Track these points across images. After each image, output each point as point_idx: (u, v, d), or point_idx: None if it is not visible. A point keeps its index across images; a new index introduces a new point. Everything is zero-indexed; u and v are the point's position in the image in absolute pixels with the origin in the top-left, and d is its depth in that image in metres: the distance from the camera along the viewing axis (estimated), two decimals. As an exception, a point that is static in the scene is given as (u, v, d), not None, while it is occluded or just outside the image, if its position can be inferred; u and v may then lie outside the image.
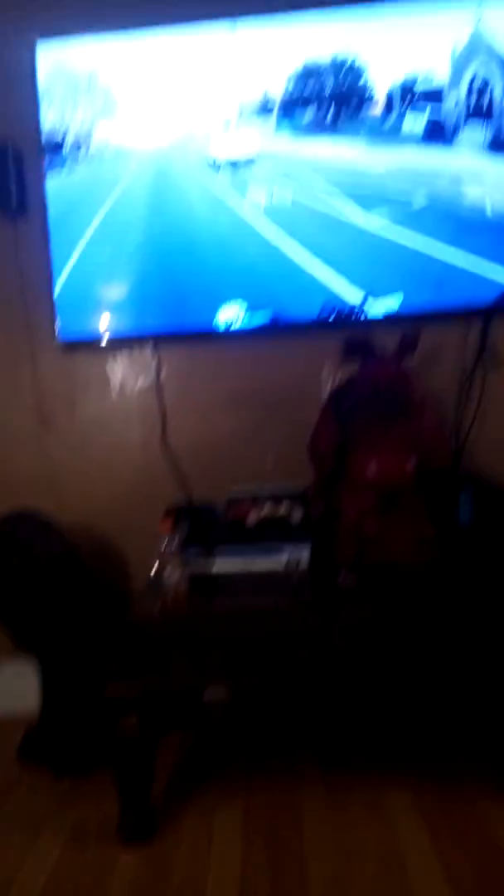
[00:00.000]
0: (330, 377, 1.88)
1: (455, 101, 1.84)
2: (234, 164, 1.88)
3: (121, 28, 1.84)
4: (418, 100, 1.84)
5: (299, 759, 1.59)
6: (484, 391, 1.88)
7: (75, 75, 1.86)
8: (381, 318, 1.85)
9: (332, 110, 1.85)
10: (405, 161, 1.86)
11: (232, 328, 1.88)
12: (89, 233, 1.90)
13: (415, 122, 1.85)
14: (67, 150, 1.88)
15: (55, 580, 1.69)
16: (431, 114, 1.84)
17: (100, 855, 1.33)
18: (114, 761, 1.38)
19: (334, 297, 1.86)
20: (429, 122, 1.85)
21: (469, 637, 1.36)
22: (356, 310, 1.86)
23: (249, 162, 1.88)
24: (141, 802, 1.38)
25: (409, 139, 1.86)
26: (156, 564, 1.54)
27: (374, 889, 1.19)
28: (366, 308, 1.85)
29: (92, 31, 1.84)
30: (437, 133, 1.85)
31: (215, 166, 1.88)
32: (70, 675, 1.69)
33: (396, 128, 1.86)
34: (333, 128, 1.87)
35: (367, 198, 1.86)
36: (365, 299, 1.85)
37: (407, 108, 1.85)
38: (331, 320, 1.86)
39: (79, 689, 1.67)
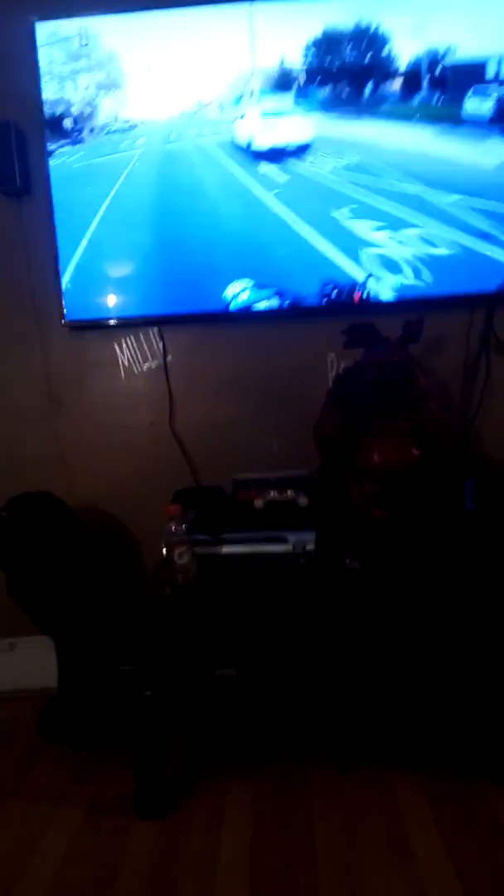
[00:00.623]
0: (335, 362, 1.90)
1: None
2: (279, 152, 1.77)
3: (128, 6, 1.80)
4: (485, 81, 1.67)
5: (309, 738, 1.64)
6: (489, 377, 1.89)
7: (79, 49, 1.82)
8: (385, 303, 1.85)
9: (369, 87, 1.71)
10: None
11: (238, 306, 1.88)
12: (98, 213, 1.88)
13: (480, 105, 1.70)
14: (72, 127, 1.86)
15: (68, 561, 1.73)
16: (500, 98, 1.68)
17: (116, 828, 1.40)
18: (129, 737, 1.44)
19: (339, 276, 1.85)
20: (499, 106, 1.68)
21: (473, 623, 1.41)
22: (358, 287, 1.83)
23: (302, 148, 1.74)
24: (156, 778, 1.45)
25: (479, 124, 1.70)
26: (164, 545, 1.57)
27: (381, 867, 1.25)
28: (368, 286, 1.84)
29: (97, 7, 1.79)
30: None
31: (250, 153, 1.81)
32: (85, 653, 1.75)
33: (457, 112, 1.71)
34: (373, 108, 1.74)
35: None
36: (366, 279, 1.84)
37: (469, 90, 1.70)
38: (336, 302, 1.86)
39: (94, 665, 1.73)
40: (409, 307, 1.81)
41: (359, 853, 1.29)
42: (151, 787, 1.45)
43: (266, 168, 1.79)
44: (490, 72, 1.71)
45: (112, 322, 1.93)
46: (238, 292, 1.86)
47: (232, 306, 1.88)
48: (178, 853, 1.33)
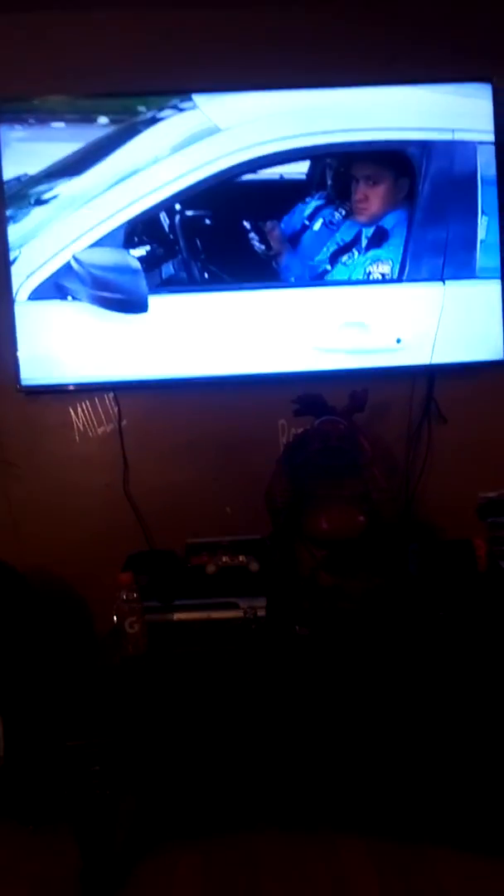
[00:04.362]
0: (285, 429, 1.97)
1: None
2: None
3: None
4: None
5: (257, 806, 1.63)
6: (430, 445, 2.00)
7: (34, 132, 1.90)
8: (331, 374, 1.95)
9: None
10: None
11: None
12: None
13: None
14: (28, 202, 1.91)
15: (15, 631, 1.71)
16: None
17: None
18: (75, 813, 1.41)
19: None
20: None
21: (419, 686, 1.45)
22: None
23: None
24: (103, 854, 1.42)
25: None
26: (116, 614, 1.58)
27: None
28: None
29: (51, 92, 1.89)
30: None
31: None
32: (33, 724, 1.71)
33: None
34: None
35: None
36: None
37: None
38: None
39: (42, 737, 1.70)
40: (355, 377, 1.91)
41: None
42: (99, 863, 1.42)
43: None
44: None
45: (68, 388, 1.96)
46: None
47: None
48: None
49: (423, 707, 1.42)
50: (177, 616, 1.65)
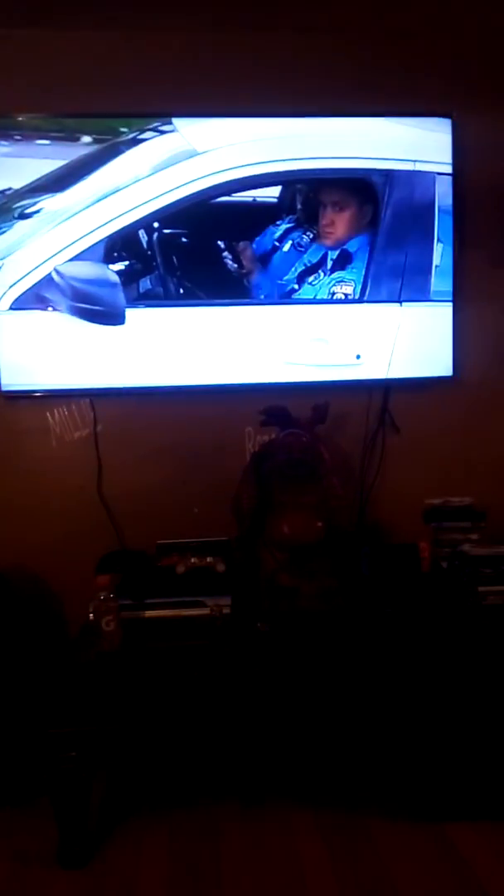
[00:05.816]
0: (251, 436, 2.11)
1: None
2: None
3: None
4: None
5: (218, 785, 1.78)
6: (384, 454, 2.17)
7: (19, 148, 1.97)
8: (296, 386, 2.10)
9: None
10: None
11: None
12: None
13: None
14: (12, 215, 1.98)
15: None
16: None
17: (40, 879, 1.50)
18: (53, 795, 1.54)
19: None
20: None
21: (368, 672, 1.62)
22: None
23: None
24: (78, 830, 1.56)
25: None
26: (91, 611, 1.70)
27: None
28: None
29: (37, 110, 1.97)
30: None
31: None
32: (7, 713, 1.83)
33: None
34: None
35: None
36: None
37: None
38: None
39: (16, 724, 1.82)
40: (318, 389, 2.06)
41: (262, 888, 1.46)
42: (74, 839, 1.56)
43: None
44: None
45: (47, 393, 2.06)
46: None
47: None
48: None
49: (367, 694, 1.60)
50: (148, 613, 1.78)
